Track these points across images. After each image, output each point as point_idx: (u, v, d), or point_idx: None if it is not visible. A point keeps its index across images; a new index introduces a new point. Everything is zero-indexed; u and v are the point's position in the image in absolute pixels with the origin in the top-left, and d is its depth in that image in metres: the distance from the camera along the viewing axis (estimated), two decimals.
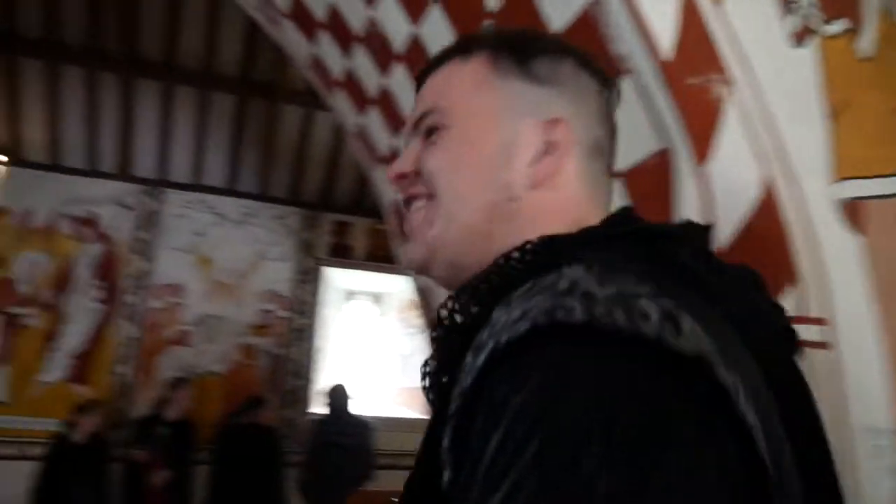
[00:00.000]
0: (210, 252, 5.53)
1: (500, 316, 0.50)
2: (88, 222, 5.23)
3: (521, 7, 1.73)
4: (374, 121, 2.47)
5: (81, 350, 5.13)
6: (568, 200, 0.67)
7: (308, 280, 5.74)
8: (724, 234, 1.57)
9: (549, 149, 0.67)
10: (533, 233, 0.61)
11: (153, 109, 5.23)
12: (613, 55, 1.56)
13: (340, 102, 2.59)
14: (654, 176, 1.60)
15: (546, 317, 0.46)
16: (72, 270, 5.16)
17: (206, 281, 5.48)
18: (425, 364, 0.64)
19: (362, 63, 2.36)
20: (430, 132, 0.70)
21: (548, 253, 0.58)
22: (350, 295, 6.46)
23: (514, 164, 0.67)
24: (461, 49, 0.73)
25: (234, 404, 4.97)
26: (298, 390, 5.61)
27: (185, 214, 5.51)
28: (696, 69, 1.55)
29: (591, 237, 0.60)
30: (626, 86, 1.57)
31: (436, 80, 0.73)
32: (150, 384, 5.16)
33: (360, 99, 2.47)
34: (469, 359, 0.50)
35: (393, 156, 2.47)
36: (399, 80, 2.24)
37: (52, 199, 5.14)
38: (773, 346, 0.58)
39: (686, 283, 0.53)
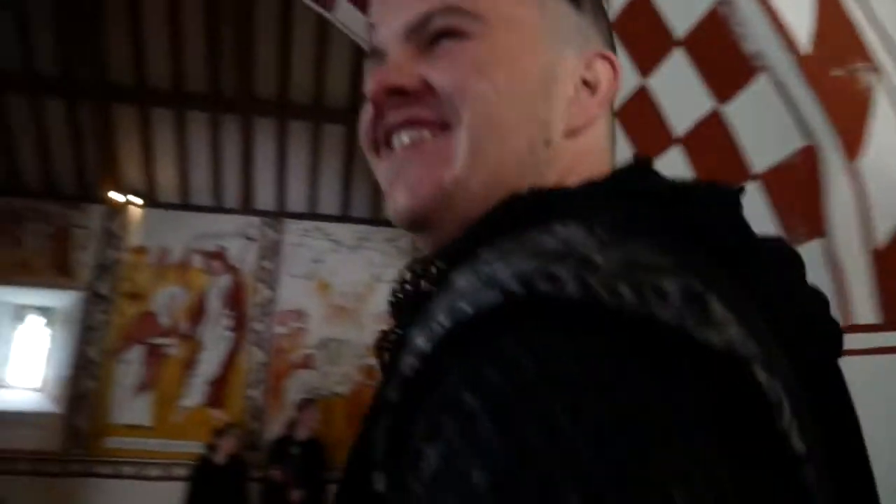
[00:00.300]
0: (328, 277, 5.74)
1: (459, 279, 0.37)
2: (217, 256, 5.57)
3: (640, 9, 1.70)
4: None
5: (216, 376, 5.45)
6: (595, 156, 0.54)
7: None
8: (881, 233, 1.47)
9: (588, 89, 0.54)
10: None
11: (270, 145, 5.52)
12: (746, 53, 1.50)
13: None
14: (798, 175, 1.52)
15: (523, 286, 0.33)
16: (205, 302, 5.51)
17: (326, 305, 5.69)
18: (378, 338, 0.49)
19: None
20: (439, 38, 0.52)
21: (538, 205, 0.45)
22: None
23: (554, 101, 0.52)
24: None
25: (356, 424, 5.11)
26: None
27: (303, 243, 5.76)
28: (838, 60, 1.47)
29: (594, 192, 0.47)
30: (763, 84, 1.51)
31: None
32: (280, 406, 5.39)
33: None
34: (414, 336, 0.37)
35: None
36: None
37: (184, 236, 5.51)
38: (812, 343, 0.45)
39: (714, 258, 0.40)
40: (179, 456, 4.98)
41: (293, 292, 5.66)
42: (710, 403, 0.31)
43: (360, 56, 5.00)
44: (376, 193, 5.84)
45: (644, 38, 1.73)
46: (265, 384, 5.49)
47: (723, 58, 1.54)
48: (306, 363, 5.58)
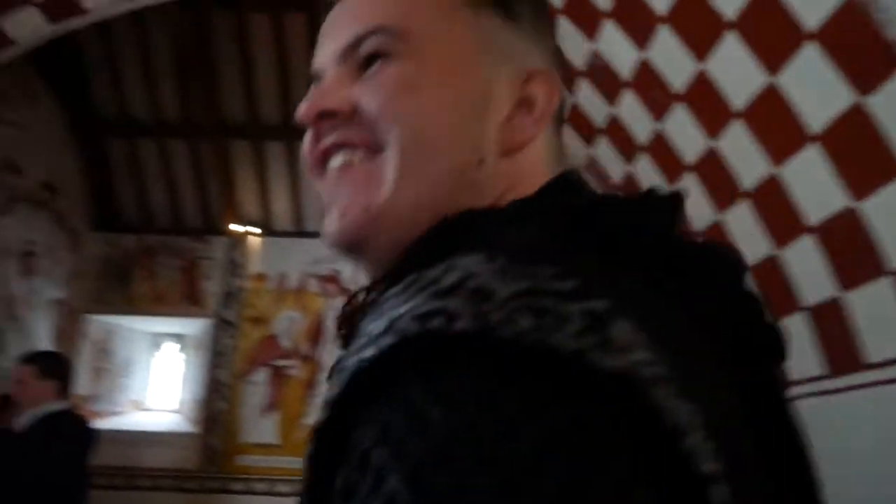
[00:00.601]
0: None
1: (367, 325, 0.36)
2: (331, 279, 5.78)
3: (765, 4, 1.64)
4: (604, 151, 2.47)
5: None
6: (538, 174, 0.51)
7: None
8: None
9: (525, 108, 0.53)
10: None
11: None
12: (889, 41, 1.42)
13: (566, 137, 2.63)
14: None
15: (418, 325, 0.32)
16: (322, 324, 5.72)
17: None
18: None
19: (587, 96, 2.38)
20: (371, 60, 0.52)
21: (456, 233, 0.44)
22: None
23: (488, 121, 0.51)
24: None
25: None
26: None
27: None
28: None
29: (515, 214, 0.45)
30: None
31: None
32: None
33: (588, 131, 2.49)
34: (329, 385, 0.36)
35: (628, 182, 2.44)
36: (629, 107, 2.23)
37: (300, 262, 5.76)
38: (751, 354, 0.42)
39: (635, 273, 0.38)
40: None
41: None
42: (611, 431, 0.31)
43: None
44: None
45: (770, 33, 1.67)
46: None
47: (862, 48, 1.46)
48: None
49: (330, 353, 5.73)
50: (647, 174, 2.31)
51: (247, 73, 5.18)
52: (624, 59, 2.12)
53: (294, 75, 5.15)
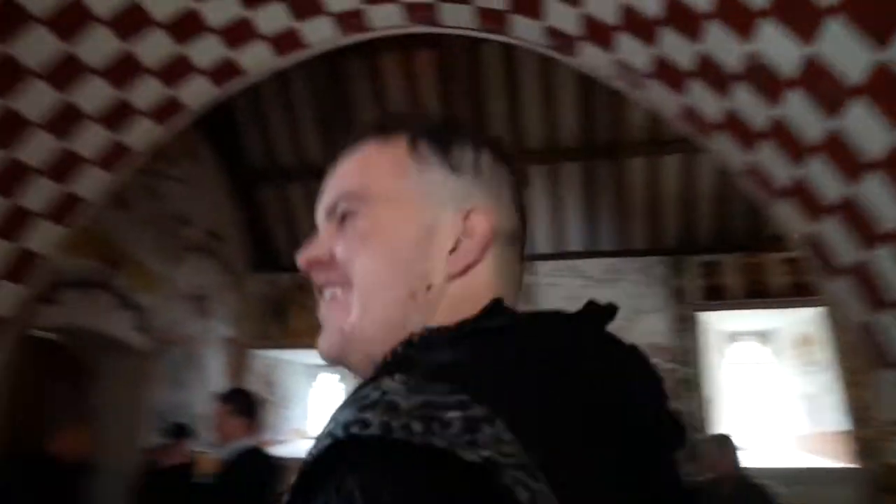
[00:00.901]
0: None
1: (320, 430, 0.49)
2: None
3: None
4: (766, 155, 2.33)
5: None
6: (483, 289, 0.65)
7: (686, 328, 5.56)
8: None
9: (467, 239, 0.66)
10: (449, 322, 0.60)
11: None
12: None
13: (723, 144, 2.51)
14: None
15: (344, 430, 0.45)
16: None
17: None
18: None
19: (744, 100, 2.26)
20: (344, 217, 0.69)
21: (396, 354, 0.59)
22: (733, 337, 6.07)
23: (433, 254, 0.66)
24: (378, 132, 0.72)
25: None
26: (695, 445, 5.36)
27: (555, 283, 5.82)
28: None
29: (447, 336, 0.59)
30: None
31: (350, 165, 0.71)
32: None
33: (746, 136, 2.36)
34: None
35: (796, 187, 2.28)
36: (794, 106, 2.09)
37: None
38: (646, 441, 0.54)
39: (533, 382, 0.51)
40: None
41: None
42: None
43: (587, 93, 5.03)
44: (623, 224, 5.74)
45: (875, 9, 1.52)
46: None
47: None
48: None
49: None
50: (820, 176, 2.15)
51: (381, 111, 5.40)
52: (787, 56, 1.99)
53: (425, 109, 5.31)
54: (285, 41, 2.94)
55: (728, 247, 5.57)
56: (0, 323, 2.88)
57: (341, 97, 5.41)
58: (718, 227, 5.61)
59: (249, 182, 6.04)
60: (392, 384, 0.48)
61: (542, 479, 0.43)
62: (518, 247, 0.72)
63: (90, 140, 2.74)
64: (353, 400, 0.49)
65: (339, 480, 0.44)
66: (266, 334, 6.16)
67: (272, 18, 2.82)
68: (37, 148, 2.59)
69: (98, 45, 2.50)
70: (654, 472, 0.55)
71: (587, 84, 4.90)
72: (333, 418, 0.48)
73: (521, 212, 0.73)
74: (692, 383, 5.46)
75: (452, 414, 0.45)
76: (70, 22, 2.38)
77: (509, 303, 0.64)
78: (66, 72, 2.48)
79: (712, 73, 2.30)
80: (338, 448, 0.46)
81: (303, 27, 2.89)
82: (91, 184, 2.91)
